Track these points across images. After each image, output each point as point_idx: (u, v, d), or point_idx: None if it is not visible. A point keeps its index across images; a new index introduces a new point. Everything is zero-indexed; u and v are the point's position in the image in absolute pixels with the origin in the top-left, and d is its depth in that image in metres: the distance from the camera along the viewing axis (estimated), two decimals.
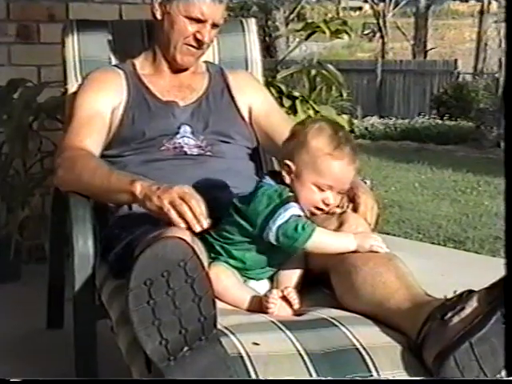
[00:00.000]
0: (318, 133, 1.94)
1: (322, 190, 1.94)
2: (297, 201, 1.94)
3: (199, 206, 1.93)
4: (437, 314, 1.67)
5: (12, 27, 3.89)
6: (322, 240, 1.90)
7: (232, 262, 1.98)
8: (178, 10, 2.37)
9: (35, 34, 3.94)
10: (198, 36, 2.38)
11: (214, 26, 2.40)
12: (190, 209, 1.93)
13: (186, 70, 2.49)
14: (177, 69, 2.47)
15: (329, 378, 1.66)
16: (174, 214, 1.94)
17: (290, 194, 1.94)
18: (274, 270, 2.02)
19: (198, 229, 1.93)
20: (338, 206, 2.07)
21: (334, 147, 1.92)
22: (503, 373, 1.62)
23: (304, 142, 1.94)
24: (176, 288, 1.63)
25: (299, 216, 1.90)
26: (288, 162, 1.96)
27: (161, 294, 1.62)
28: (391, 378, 1.69)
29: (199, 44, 2.40)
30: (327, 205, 1.96)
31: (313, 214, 1.98)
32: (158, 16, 2.43)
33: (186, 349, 1.61)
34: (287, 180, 1.96)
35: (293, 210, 1.90)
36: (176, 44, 2.40)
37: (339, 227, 1.99)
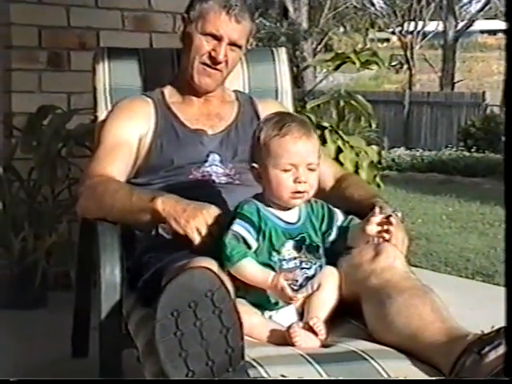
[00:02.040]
0: (264, 124, 1.99)
1: (288, 172, 1.94)
2: (263, 200, 1.99)
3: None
4: (474, 348, 1.63)
5: (43, 55, 3.93)
6: (246, 270, 1.89)
7: (248, 297, 1.93)
8: (196, 28, 2.39)
9: (66, 62, 3.98)
10: (213, 54, 2.38)
11: (233, 45, 2.39)
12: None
13: (210, 94, 2.47)
14: (202, 95, 2.47)
15: (330, 378, 1.64)
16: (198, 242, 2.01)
17: (245, 207, 1.96)
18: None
19: None
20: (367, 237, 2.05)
21: (279, 128, 1.95)
22: None
23: (257, 140, 1.98)
24: (203, 319, 1.62)
25: (236, 234, 1.91)
26: (253, 164, 2.01)
27: (188, 325, 1.61)
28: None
29: (214, 62, 2.39)
30: (300, 183, 1.94)
31: (294, 198, 1.96)
32: (180, 38, 2.46)
33: None
34: (260, 182, 2.01)
35: (234, 226, 1.93)
36: (193, 63, 2.40)
37: (375, 257, 1.96)
